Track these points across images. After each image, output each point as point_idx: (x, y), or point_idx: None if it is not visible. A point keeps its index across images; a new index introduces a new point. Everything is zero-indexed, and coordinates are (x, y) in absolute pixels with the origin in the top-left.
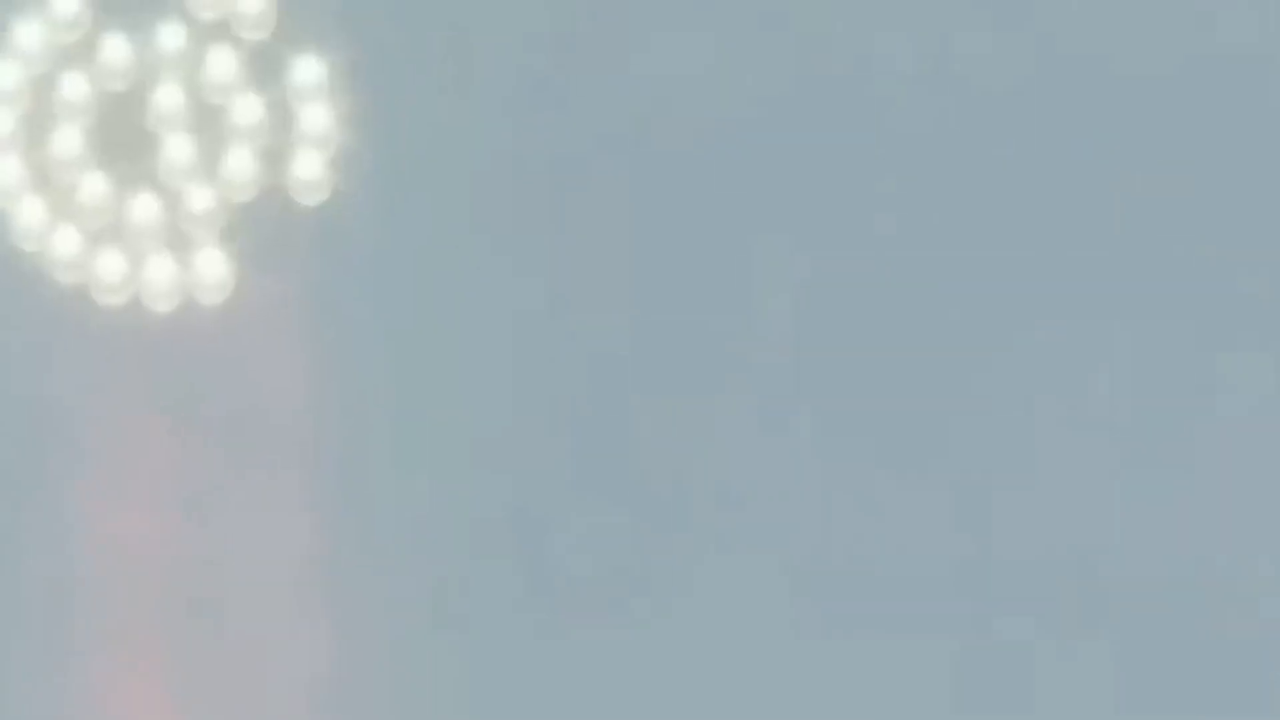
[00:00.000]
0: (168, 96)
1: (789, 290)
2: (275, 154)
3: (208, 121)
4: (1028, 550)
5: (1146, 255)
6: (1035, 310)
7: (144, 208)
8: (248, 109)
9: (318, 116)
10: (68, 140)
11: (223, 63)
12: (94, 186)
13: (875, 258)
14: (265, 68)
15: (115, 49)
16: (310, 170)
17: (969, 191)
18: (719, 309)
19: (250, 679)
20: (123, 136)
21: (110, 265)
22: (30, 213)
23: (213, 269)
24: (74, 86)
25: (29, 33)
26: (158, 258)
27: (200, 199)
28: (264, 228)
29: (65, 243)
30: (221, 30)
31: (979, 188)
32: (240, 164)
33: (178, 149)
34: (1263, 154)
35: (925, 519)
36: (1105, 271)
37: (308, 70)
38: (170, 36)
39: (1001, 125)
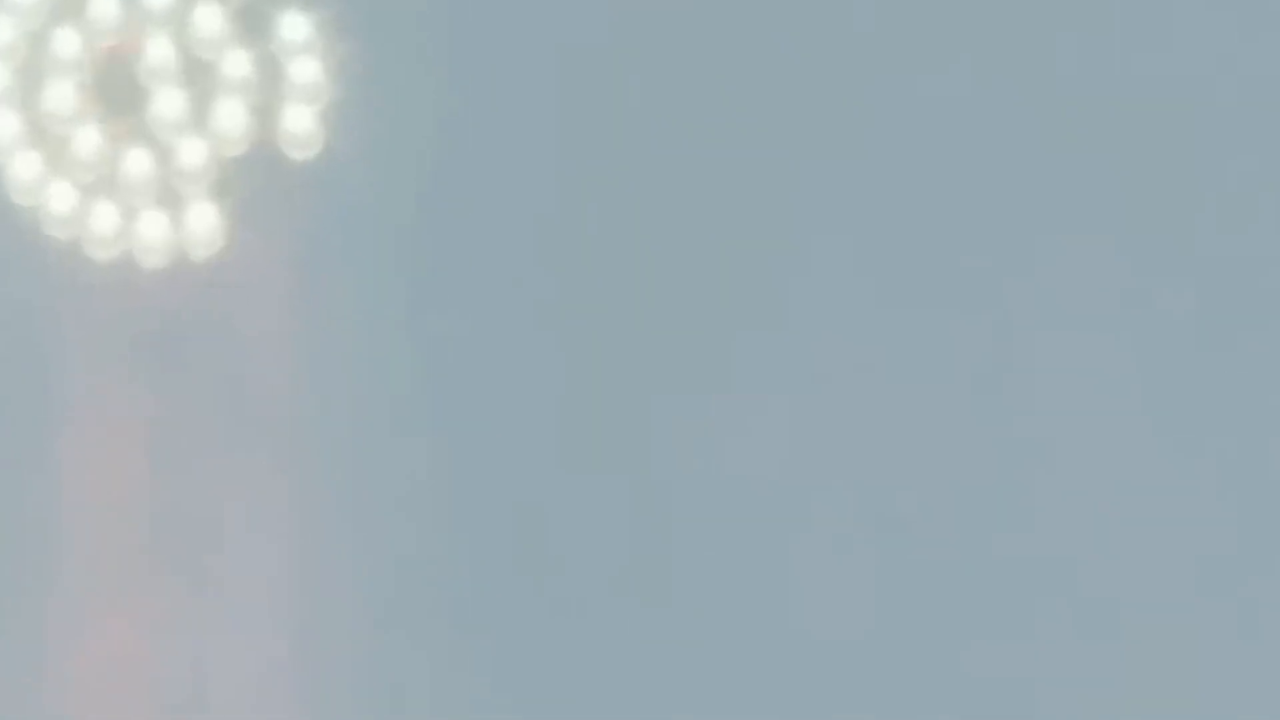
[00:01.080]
0: (158, 51)
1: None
2: (265, 109)
3: (198, 77)
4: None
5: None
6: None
7: (136, 162)
8: (237, 64)
9: (307, 71)
10: (61, 95)
11: (211, 18)
12: (87, 140)
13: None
14: (254, 23)
15: (105, 3)
16: (300, 125)
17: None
18: (724, 284)
19: (226, 652)
20: (115, 91)
21: (103, 219)
22: (26, 167)
23: (204, 223)
24: (66, 42)
25: None
26: (150, 212)
27: (191, 153)
28: (255, 182)
29: (60, 197)
30: None
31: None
32: (230, 119)
33: (168, 104)
34: None
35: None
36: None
37: (296, 25)
38: None
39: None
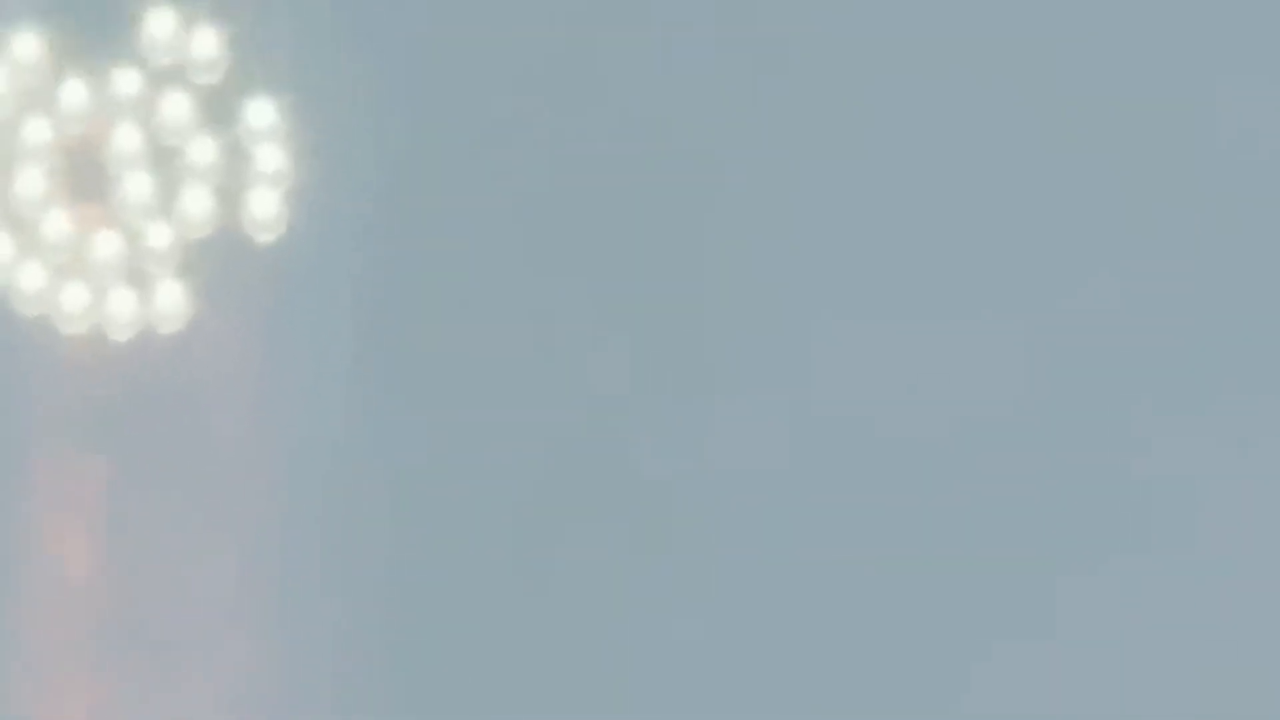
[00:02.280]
0: (125, 139)
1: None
2: (230, 193)
3: (165, 162)
4: None
5: None
6: None
7: (105, 244)
8: (203, 150)
9: (271, 156)
10: (32, 180)
11: (178, 106)
12: (57, 224)
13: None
14: (220, 110)
15: (74, 93)
16: (264, 208)
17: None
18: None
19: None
20: (85, 176)
21: (73, 297)
22: None
23: (170, 301)
24: (36, 129)
25: None
26: (118, 290)
27: (158, 236)
28: (220, 263)
29: (30, 277)
30: (176, 75)
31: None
32: (197, 203)
33: (136, 189)
34: None
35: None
36: None
37: (260, 113)
38: (126, 81)
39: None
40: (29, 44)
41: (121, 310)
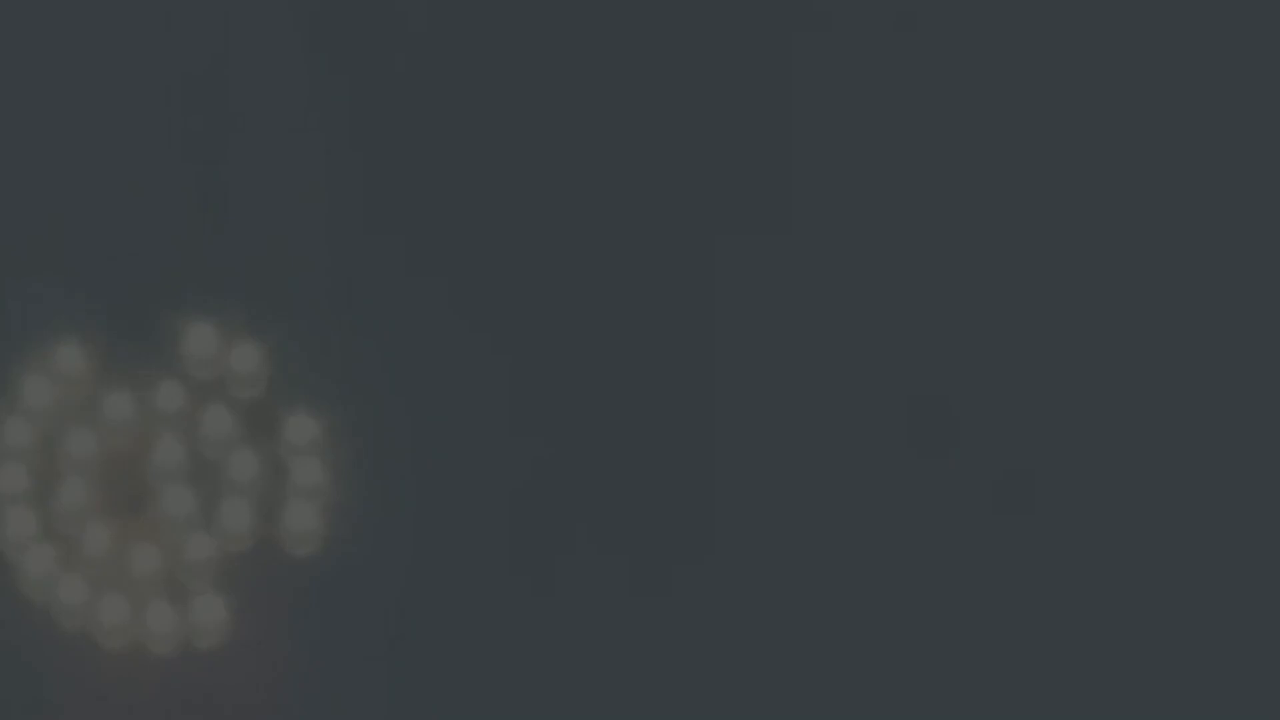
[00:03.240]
0: (167, 453)
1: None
2: (270, 506)
3: (206, 475)
4: None
5: None
6: None
7: (145, 559)
8: (243, 464)
9: (310, 471)
10: (73, 493)
11: (219, 420)
12: (97, 537)
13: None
14: (260, 423)
15: (118, 406)
16: (303, 522)
17: None
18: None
19: None
20: (126, 489)
21: (112, 610)
22: (38, 563)
23: (210, 615)
24: (80, 442)
25: (36, 390)
26: (157, 604)
27: (198, 549)
28: (259, 576)
29: (70, 591)
30: (217, 389)
31: None
32: (236, 516)
33: (177, 504)
34: None
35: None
36: None
37: (300, 428)
38: (169, 396)
39: None
40: (73, 357)
41: (160, 624)
